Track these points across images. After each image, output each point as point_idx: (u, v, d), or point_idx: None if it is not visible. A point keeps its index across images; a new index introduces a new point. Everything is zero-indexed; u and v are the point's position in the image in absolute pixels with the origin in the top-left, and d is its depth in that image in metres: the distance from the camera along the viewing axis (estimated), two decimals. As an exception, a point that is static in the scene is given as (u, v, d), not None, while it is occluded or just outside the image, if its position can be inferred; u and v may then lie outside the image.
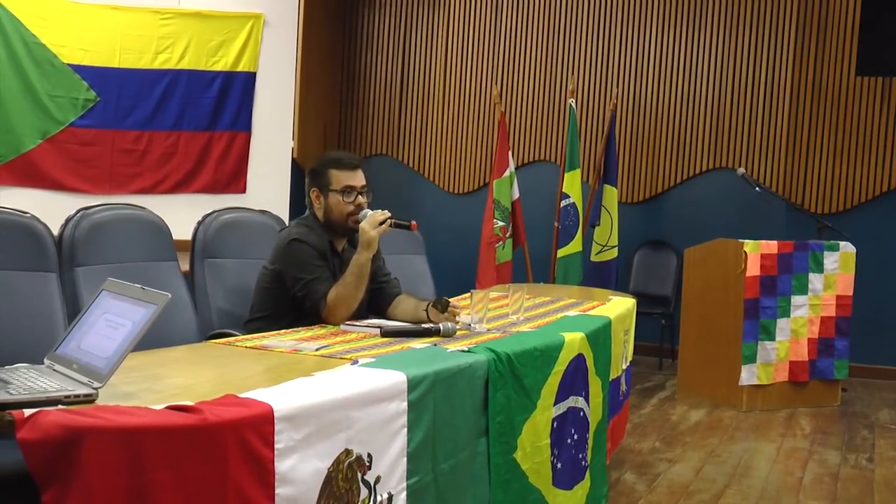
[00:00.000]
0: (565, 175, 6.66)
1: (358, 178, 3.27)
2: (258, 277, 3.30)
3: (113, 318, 2.01)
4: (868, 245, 6.31)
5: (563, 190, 6.65)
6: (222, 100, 6.91)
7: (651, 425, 5.12)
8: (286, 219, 4.82)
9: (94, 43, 6.46)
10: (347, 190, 3.23)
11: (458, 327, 2.94)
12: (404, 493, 2.16)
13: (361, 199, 3.25)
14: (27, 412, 1.58)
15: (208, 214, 3.59)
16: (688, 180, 7.21)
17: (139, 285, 2.04)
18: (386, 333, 2.84)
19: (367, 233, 3.11)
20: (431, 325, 2.90)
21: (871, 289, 6.47)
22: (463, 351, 2.56)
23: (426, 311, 3.10)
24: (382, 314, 3.36)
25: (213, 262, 3.50)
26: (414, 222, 3.27)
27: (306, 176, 3.36)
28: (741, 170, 6.44)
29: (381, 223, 3.12)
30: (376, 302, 3.38)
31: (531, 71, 7.54)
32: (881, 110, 6.78)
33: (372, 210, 3.21)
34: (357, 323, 3.04)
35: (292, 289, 3.14)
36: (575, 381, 3.02)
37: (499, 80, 7.55)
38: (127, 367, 1.92)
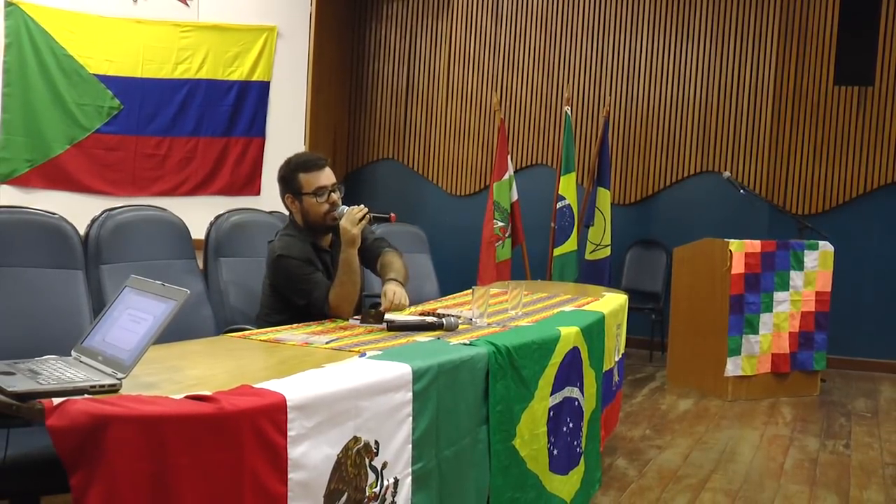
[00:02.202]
0: (561, 178, 6.66)
1: (327, 177, 3.19)
2: (262, 283, 3.28)
3: (135, 312, 2.01)
4: (845, 244, 6.32)
5: (560, 192, 6.64)
6: (238, 107, 6.90)
7: (642, 414, 5.11)
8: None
9: (119, 54, 6.46)
10: (320, 191, 3.17)
11: (460, 322, 2.93)
12: (409, 478, 2.16)
13: (334, 196, 3.19)
14: (56, 401, 1.59)
15: (220, 216, 3.58)
16: (676, 183, 7.20)
17: (160, 282, 2.04)
18: (392, 327, 2.83)
19: (349, 231, 3.05)
20: (435, 319, 2.89)
21: (848, 285, 6.48)
22: (465, 344, 2.55)
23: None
24: (376, 274, 3.35)
25: (226, 261, 3.49)
26: (393, 214, 3.18)
27: (278, 183, 3.25)
28: (727, 173, 6.43)
29: (361, 219, 3.06)
30: (368, 265, 3.40)
31: (529, 80, 7.52)
32: (857, 118, 6.76)
33: (348, 206, 3.14)
34: (365, 318, 3.04)
35: (292, 298, 3.12)
36: (570, 372, 3.01)
37: (499, 89, 7.54)
38: (148, 358, 1.92)
